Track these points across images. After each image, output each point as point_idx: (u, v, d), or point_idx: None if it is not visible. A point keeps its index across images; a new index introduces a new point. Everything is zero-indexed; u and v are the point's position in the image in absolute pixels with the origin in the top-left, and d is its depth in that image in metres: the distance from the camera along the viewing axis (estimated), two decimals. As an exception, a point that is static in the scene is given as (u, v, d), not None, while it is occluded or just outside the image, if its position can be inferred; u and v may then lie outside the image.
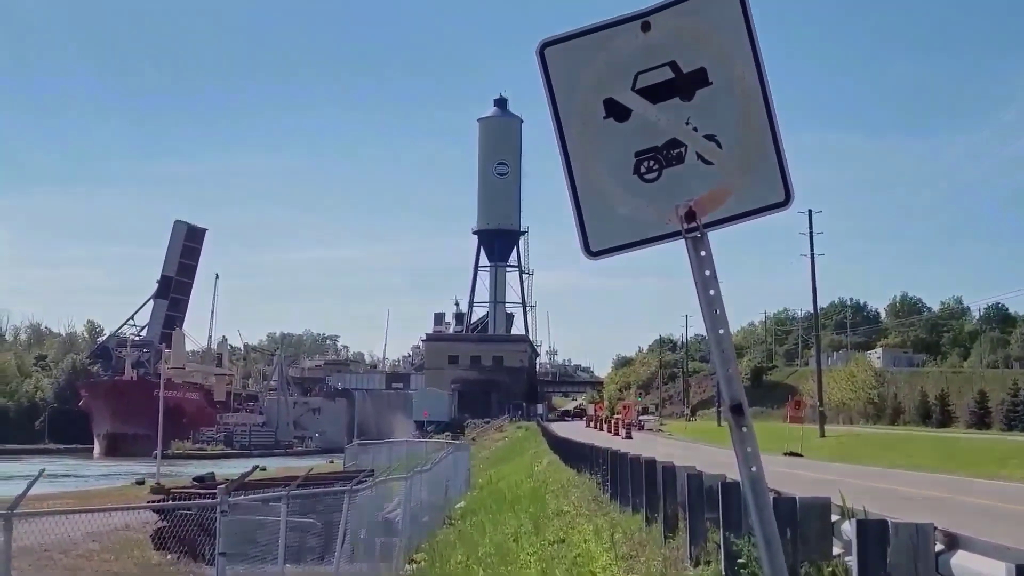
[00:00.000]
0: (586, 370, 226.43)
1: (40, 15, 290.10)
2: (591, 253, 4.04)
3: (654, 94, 3.97)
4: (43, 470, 13.37)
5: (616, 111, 4.00)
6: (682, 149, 3.96)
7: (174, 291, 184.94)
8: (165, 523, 23.22)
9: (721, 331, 3.91)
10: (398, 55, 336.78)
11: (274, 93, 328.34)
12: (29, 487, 10.19)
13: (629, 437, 71.29)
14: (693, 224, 3.93)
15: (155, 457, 68.05)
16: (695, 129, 3.95)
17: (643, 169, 3.98)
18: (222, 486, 14.81)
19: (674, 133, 3.96)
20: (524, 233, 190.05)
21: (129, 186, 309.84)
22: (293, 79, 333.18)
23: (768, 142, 3.95)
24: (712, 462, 22.46)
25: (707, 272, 3.93)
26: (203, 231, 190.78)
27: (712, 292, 3.92)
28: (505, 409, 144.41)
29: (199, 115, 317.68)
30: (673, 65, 3.96)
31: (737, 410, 3.87)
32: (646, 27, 3.97)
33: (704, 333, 4.00)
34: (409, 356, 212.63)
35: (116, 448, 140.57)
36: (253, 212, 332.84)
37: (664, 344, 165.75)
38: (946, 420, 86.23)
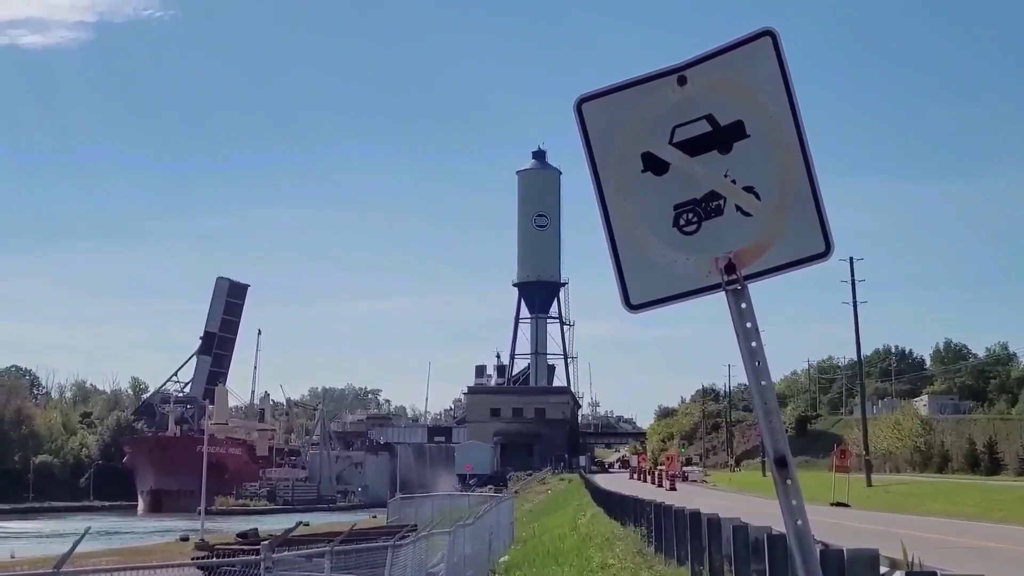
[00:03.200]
0: (628, 421, 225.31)
1: (78, 85, 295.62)
2: (631, 307, 4.05)
3: (692, 147, 3.98)
4: (88, 528, 13.43)
5: (654, 164, 4.02)
6: (721, 201, 3.96)
7: (217, 347, 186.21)
8: (209, 580, 23.23)
9: (764, 383, 3.89)
10: (436, 109, 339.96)
11: (311, 150, 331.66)
12: (75, 545, 10.23)
13: (673, 488, 70.72)
14: (733, 276, 3.93)
15: (199, 513, 68.26)
16: (733, 181, 3.95)
17: (682, 222, 3.99)
18: (266, 542, 14.79)
19: (713, 185, 3.97)
20: (564, 284, 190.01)
21: (170, 244, 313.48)
22: (330, 136, 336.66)
23: (807, 193, 3.95)
24: (758, 513, 22.24)
25: (748, 324, 3.91)
26: (245, 287, 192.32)
27: (754, 344, 3.91)
28: (547, 461, 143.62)
29: (237, 175, 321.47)
30: (710, 118, 3.98)
31: (781, 463, 3.84)
32: (682, 81, 4.00)
33: (747, 382, 3.97)
34: (451, 409, 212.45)
35: (160, 504, 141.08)
36: (294, 268, 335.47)
37: (707, 394, 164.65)
38: (995, 468, 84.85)
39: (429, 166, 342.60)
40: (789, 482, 3.83)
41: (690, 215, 3.99)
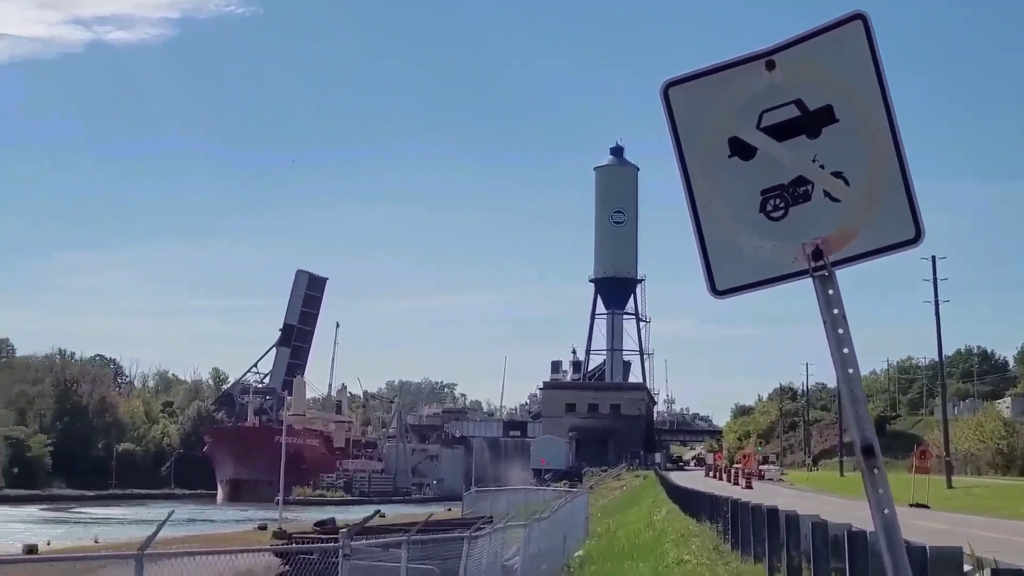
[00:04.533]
0: (704, 419, 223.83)
1: (160, 81, 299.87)
2: (717, 292, 4.02)
3: (780, 132, 3.95)
4: (172, 511, 13.65)
5: (741, 149, 3.99)
6: (809, 187, 3.93)
7: (296, 339, 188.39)
8: (287, 568, 23.45)
9: (851, 371, 3.85)
10: (513, 106, 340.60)
11: (387, 147, 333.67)
12: (159, 528, 10.41)
13: (749, 487, 70.15)
14: (820, 263, 3.89)
15: (277, 503, 69.04)
16: (822, 166, 3.91)
17: (769, 207, 3.96)
18: (344, 530, 14.93)
19: (800, 171, 3.93)
20: (641, 281, 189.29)
21: (248, 239, 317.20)
22: (406, 133, 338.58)
23: (897, 178, 3.89)
24: (837, 513, 21.99)
25: (835, 311, 3.87)
26: (324, 280, 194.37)
27: (841, 331, 3.86)
28: (623, 457, 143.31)
29: (314, 171, 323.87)
30: (799, 103, 3.94)
31: (868, 452, 3.80)
32: (771, 66, 3.96)
33: (825, 381, 3.94)
34: (526, 404, 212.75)
35: (238, 494, 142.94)
36: (371, 264, 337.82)
37: (784, 392, 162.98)
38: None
39: (505, 163, 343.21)
40: (876, 471, 3.79)
41: (777, 200, 3.95)
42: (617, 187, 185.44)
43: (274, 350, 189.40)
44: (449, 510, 74.09)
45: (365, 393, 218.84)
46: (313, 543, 23.32)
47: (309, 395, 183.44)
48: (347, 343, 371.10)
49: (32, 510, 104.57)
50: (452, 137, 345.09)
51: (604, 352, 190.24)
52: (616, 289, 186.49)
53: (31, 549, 38.63)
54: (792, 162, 3.93)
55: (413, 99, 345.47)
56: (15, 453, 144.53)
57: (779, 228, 3.94)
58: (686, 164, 4.05)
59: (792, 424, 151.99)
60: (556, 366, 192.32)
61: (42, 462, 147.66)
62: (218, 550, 13.33)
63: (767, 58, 3.97)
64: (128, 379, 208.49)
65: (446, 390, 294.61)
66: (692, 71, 4.05)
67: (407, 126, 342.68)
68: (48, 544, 45.59)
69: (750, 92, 3.97)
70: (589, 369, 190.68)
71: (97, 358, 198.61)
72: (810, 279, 3.91)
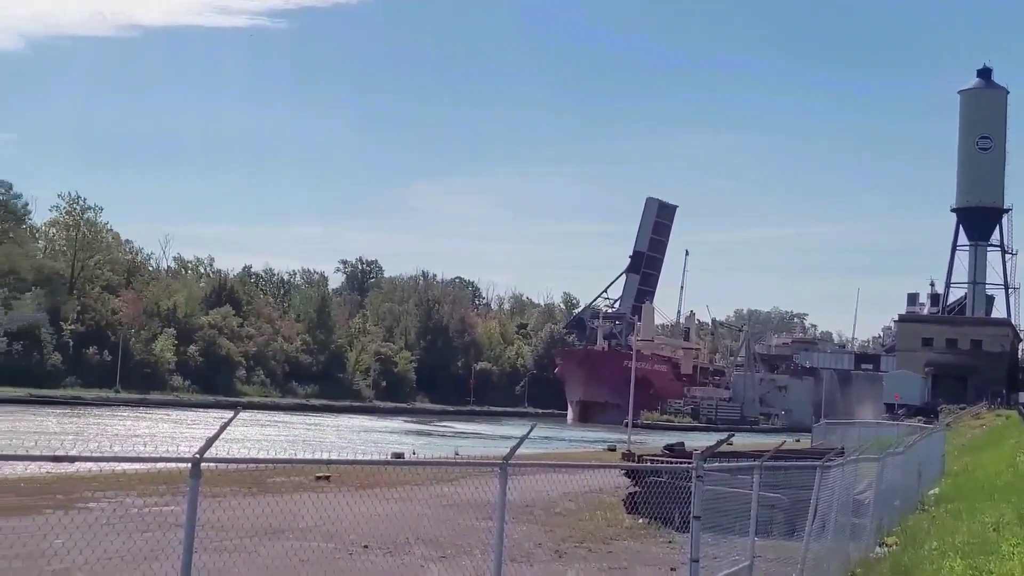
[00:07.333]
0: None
1: (509, 14, 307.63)
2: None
3: None
4: (534, 425, 14.28)
5: None
6: None
7: (645, 266, 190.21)
8: (637, 488, 24.02)
9: None
10: (872, 28, 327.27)
11: (741, 74, 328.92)
12: (521, 441, 10.93)
13: None
14: None
15: (625, 425, 70.44)
16: None
17: None
18: (698, 452, 15.17)
19: None
20: (1008, 211, 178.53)
21: (597, 166, 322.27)
22: (762, 58, 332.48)
23: None
24: None
25: None
26: (674, 208, 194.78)
27: None
28: (983, 396, 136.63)
29: (658, 101, 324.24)
30: None
31: None
32: None
33: None
34: (879, 337, 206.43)
35: (587, 415, 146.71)
36: (721, 190, 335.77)
37: None
38: None
39: (862, 87, 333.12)
40: None
41: None
42: (984, 111, 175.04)
43: (624, 276, 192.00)
44: (798, 441, 73.33)
45: (713, 321, 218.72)
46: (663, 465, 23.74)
47: (658, 321, 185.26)
48: (696, 271, 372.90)
49: (398, 422, 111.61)
50: (806, 61, 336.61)
51: (965, 285, 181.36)
52: (980, 219, 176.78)
53: (399, 456, 41.28)
54: None
55: (769, 21, 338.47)
56: (384, 368, 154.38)
57: None
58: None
59: None
60: (912, 299, 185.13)
61: (407, 377, 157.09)
62: (574, 464, 13.89)
63: None
64: (485, 301, 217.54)
65: (796, 320, 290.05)
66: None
67: (760, 51, 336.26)
68: (414, 454, 48.51)
69: None
70: (948, 303, 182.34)
71: (457, 280, 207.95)
72: None
